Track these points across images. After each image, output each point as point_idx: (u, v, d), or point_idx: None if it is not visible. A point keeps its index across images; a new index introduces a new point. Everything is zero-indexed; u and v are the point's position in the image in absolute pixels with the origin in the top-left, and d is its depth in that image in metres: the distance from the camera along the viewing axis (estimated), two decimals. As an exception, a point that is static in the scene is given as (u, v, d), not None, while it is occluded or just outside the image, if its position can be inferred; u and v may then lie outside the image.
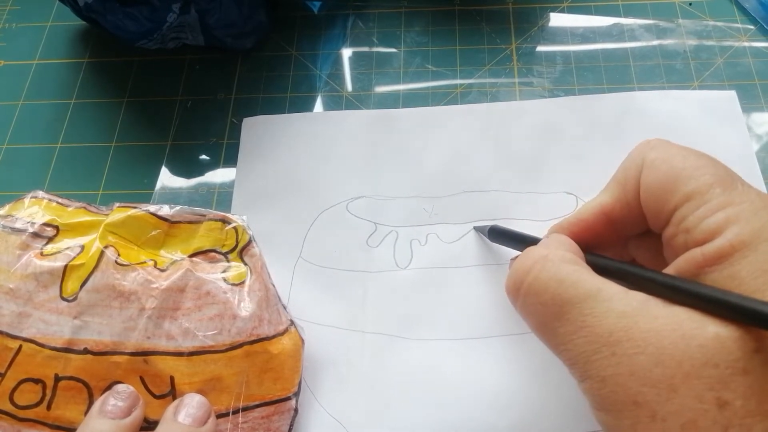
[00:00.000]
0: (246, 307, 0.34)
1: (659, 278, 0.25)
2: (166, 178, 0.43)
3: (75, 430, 0.31)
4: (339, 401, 0.35)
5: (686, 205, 0.26)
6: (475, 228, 0.39)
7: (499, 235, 0.37)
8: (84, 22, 0.49)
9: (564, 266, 0.27)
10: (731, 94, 0.42)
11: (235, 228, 0.36)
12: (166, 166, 0.44)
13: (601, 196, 0.31)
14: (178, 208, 0.37)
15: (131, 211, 0.36)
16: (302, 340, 0.35)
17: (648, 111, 0.42)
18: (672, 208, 0.26)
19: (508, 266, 0.35)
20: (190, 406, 0.32)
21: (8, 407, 0.33)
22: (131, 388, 0.33)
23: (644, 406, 0.23)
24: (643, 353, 0.23)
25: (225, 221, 0.36)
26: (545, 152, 0.41)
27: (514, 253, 0.38)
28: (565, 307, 0.25)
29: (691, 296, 0.24)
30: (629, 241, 0.32)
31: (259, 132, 0.44)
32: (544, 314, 0.26)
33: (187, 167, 0.44)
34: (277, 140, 0.43)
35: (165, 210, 0.36)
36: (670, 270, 0.26)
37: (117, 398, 0.32)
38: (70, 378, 0.33)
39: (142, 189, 0.43)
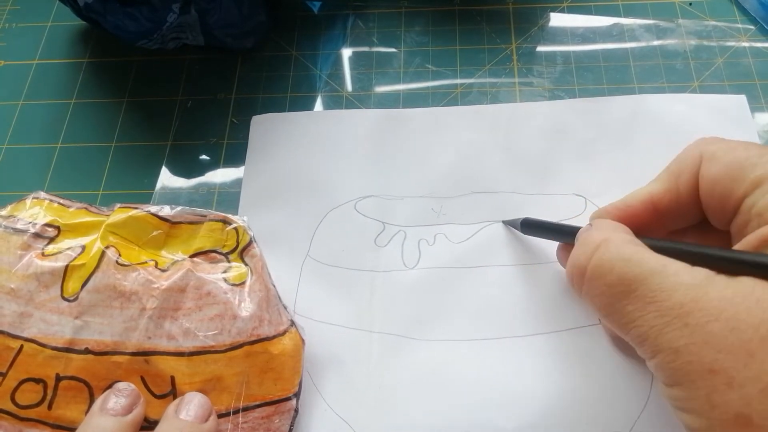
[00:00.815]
0: (246, 307, 0.34)
1: (723, 253, 0.25)
2: (166, 179, 0.43)
3: (76, 429, 0.31)
4: (346, 400, 0.35)
5: (756, 191, 0.26)
6: (504, 222, 0.39)
7: (532, 227, 0.37)
8: (84, 22, 0.49)
9: (627, 246, 0.27)
10: (741, 99, 0.42)
11: (235, 229, 0.36)
12: (166, 166, 0.44)
13: (651, 186, 0.31)
14: (179, 208, 0.37)
15: (132, 212, 0.36)
16: (303, 341, 0.35)
17: (657, 114, 0.42)
18: (740, 197, 0.27)
19: (556, 255, 0.36)
20: (192, 404, 0.32)
21: (9, 407, 0.33)
22: (132, 385, 0.33)
23: (720, 373, 0.23)
24: (717, 320, 0.23)
25: (226, 222, 0.36)
26: (554, 154, 0.41)
27: (534, 250, 0.38)
28: (633, 285, 0.26)
29: (758, 267, 0.24)
30: (671, 235, 0.32)
31: (268, 130, 0.44)
32: (611, 295, 0.27)
33: (187, 167, 0.44)
34: (286, 138, 0.43)
35: (166, 211, 0.37)
36: (739, 248, 0.26)
37: (118, 396, 0.32)
38: (71, 378, 0.33)
39: (142, 189, 0.43)
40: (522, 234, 0.38)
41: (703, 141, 0.30)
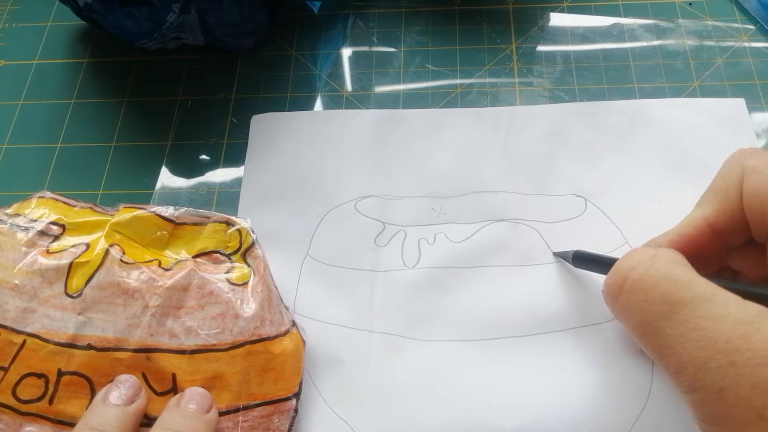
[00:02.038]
0: (248, 307, 0.34)
1: None
2: (166, 178, 0.43)
3: (77, 424, 0.31)
4: (345, 400, 0.35)
5: None
6: (554, 253, 0.38)
7: (584, 260, 0.35)
8: (84, 22, 0.49)
9: (675, 266, 0.25)
10: (740, 102, 0.42)
11: (239, 230, 0.36)
12: (166, 166, 0.44)
13: (701, 209, 0.30)
14: (183, 209, 0.37)
15: (137, 212, 0.36)
16: (303, 342, 0.35)
17: (656, 118, 0.42)
18: None
19: (603, 297, 0.34)
20: (193, 396, 0.32)
21: (11, 401, 0.33)
22: (133, 377, 0.33)
23: None
24: None
25: (229, 223, 0.37)
26: (553, 155, 0.41)
27: (534, 251, 0.38)
28: (676, 307, 0.24)
29: None
30: (729, 254, 0.31)
31: (268, 129, 0.44)
32: (650, 313, 0.25)
33: (187, 167, 0.44)
34: (286, 138, 0.43)
35: (170, 211, 0.37)
36: None
37: (120, 387, 0.32)
38: (73, 373, 0.33)
39: (142, 189, 0.43)
40: (572, 266, 0.37)
41: (743, 154, 0.29)
